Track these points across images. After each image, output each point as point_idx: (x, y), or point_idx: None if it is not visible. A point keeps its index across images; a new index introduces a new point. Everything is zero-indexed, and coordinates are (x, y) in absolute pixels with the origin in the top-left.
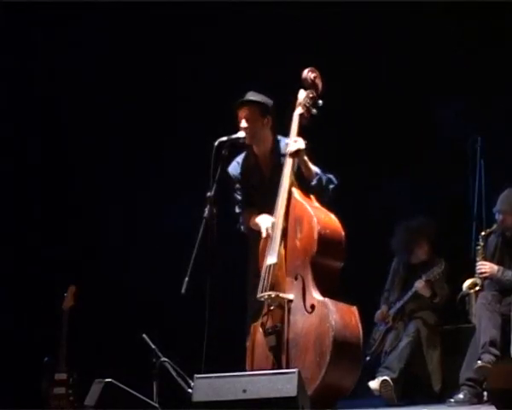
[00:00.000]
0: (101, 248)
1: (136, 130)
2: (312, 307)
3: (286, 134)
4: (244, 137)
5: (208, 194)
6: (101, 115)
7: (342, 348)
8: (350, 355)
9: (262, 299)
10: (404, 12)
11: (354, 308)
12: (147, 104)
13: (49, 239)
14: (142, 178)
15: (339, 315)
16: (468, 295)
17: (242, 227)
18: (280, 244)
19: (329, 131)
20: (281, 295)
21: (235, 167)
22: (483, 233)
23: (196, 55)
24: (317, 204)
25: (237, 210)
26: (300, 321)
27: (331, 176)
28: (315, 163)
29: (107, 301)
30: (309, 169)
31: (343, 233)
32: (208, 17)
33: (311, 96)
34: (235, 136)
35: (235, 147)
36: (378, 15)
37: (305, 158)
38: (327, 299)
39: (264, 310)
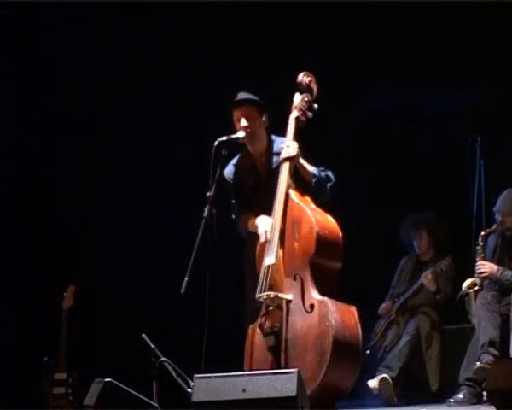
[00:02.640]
0: (100, 247)
1: (135, 130)
2: (312, 306)
3: (279, 133)
4: (244, 137)
5: (208, 194)
6: (100, 118)
7: (342, 348)
8: (349, 356)
9: (261, 299)
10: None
11: (353, 309)
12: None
13: (49, 239)
14: (140, 179)
15: (338, 315)
16: (467, 294)
17: (240, 232)
18: (278, 246)
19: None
20: (280, 295)
21: (230, 171)
22: (483, 233)
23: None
24: (313, 205)
25: (233, 216)
26: (299, 321)
27: (329, 173)
28: (315, 161)
29: (107, 301)
30: (306, 171)
31: (340, 234)
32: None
33: (306, 99)
34: (234, 135)
35: (235, 146)
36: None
37: (301, 161)
38: (326, 298)
39: (263, 311)
